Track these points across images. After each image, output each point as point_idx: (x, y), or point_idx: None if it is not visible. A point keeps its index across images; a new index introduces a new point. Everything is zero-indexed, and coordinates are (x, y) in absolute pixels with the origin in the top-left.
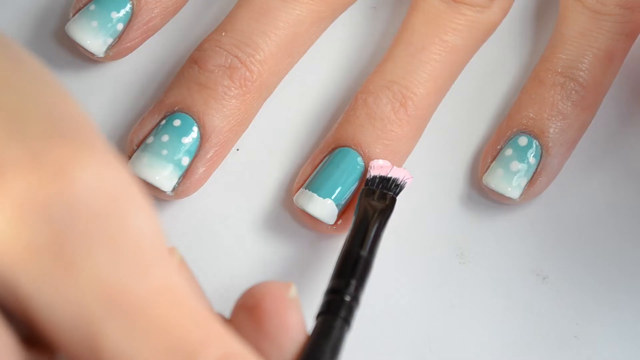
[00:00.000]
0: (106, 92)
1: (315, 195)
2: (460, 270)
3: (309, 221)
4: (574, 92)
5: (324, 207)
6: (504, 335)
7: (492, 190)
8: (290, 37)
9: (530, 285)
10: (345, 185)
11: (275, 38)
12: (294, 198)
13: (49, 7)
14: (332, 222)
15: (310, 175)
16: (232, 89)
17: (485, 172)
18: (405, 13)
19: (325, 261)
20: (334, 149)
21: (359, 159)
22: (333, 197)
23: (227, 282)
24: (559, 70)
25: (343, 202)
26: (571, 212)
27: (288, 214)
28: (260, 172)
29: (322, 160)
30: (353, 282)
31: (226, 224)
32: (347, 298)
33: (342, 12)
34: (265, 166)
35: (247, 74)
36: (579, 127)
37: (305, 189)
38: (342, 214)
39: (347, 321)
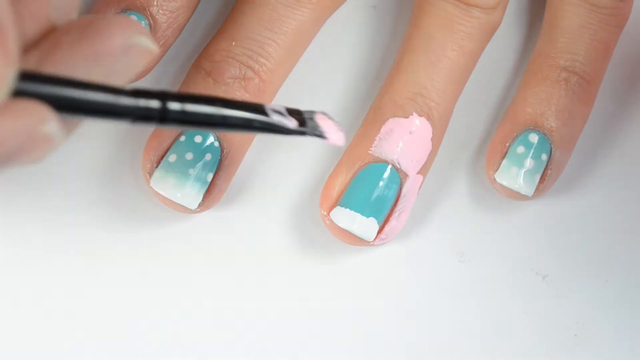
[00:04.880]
0: None
1: (359, 214)
2: (460, 269)
3: (345, 237)
4: (577, 86)
5: (368, 226)
6: (504, 333)
7: (506, 188)
8: (295, 42)
9: (530, 284)
10: (385, 202)
11: (283, 45)
12: (332, 215)
13: None
14: (372, 239)
15: (343, 190)
16: (248, 100)
17: (497, 170)
18: (405, 12)
19: (327, 256)
20: (367, 164)
21: (397, 174)
22: (376, 215)
23: (239, 287)
24: (563, 65)
25: (384, 219)
26: (570, 211)
27: (293, 215)
28: (269, 174)
29: (354, 175)
30: (190, 107)
31: (240, 227)
32: (172, 106)
33: (337, 8)
34: (273, 168)
35: (261, 84)
36: (582, 121)
37: (346, 207)
38: (381, 229)
39: (139, 114)
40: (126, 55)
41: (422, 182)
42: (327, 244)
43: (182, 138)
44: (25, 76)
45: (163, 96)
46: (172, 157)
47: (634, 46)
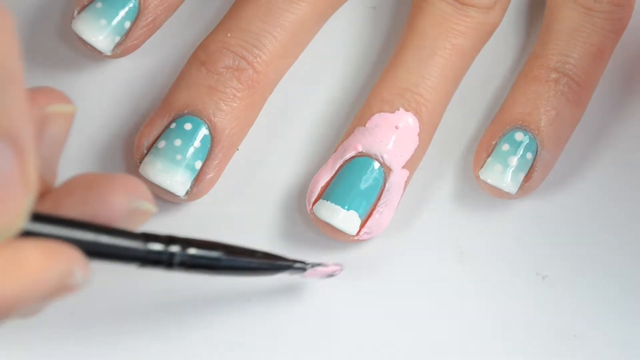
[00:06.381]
0: (107, 90)
1: (339, 207)
2: (460, 269)
3: (330, 232)
4: (567, 88)
5: (349, 220)
6: (503, 333)
7: (490, 186)
8: (293, 36)
9: (530, 284)
10: (368, 196)
11: (280, 38)
12: (314, 209)
13: (50, 2)
14: (354, 233)
15: (328, 184)
16: (241, 90)
17: (482, 167)
18: (405, 12)
19: (327, 255)
20: (351, 158)
21: (380, 169)
22: (357, 209)
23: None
24: (553, 66)
25: (366, 213)
26: (571, 211)
27: (290, 212)
28: (261, 171)
29: (339, 169)
30: (195, 252)
31: (231, 224)
32: (174, 249)
33: (339, 7)
34: (266, 165)
35: (255, 75)
36: (572, 123)
37: (327, 200)
38: (363, 224)
39: (148, 258)
40: (126, 218)
41: (408, 178)
42: (323, 243)
43: (173, 126)
44: (36, 217)
45: (170, 241)
46: (161, 144)
47: (634, 49)
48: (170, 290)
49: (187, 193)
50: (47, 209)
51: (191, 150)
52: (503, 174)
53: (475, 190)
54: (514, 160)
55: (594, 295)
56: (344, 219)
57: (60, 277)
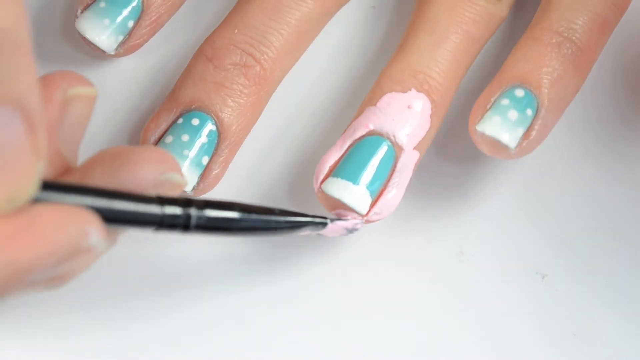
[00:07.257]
0: (110, 88)
1: (350, 183)
2: (460, 268)
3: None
4: (570, 52)
5: (360, 196)
6: (503, 333)
7: (487, 139)
8: (299, 33)
9: (530, 283)
10: (379, 174)
11: (286, 35)
12: (323, 186)
13: (53, 1)
14: (365, 211)
15: (337, 163)
16: (248, 87)
17: (480, 120)
18: (405, 12)
19: (328, 255)
20: (362, 137)
21: (392, 148)
22: (368, 186)
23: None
24: (556, 29)
25: (377, 192)
26: (570, 210)
27: (296, 207)
28: (264, 168)
29: (349, 148)
30: (213, 213)
31: None
32: (190, 212)
33: (344, 4)
34: (269, 162)
35: (261, 72)
36: (572, 88)
37: (337, 177)
38: (374, 203)
39: (164, 222)
40: (155, 190)
41: (418, 159)
42: (324, 241)
43: (180, 121)
44: (48, 186)
45: (187, 203)
46: (168, 139)
47: (634, 49)
48: (168, 289)
49: (193, 189)
50: (78, 177)
51: (198, 145)
52: (502, 126)
53: (477, 190)
54: (514, 114)
55: (594, 295)
56: (355, 195)
57: (75, 239)
